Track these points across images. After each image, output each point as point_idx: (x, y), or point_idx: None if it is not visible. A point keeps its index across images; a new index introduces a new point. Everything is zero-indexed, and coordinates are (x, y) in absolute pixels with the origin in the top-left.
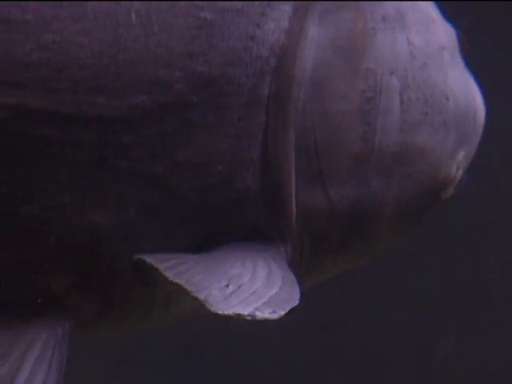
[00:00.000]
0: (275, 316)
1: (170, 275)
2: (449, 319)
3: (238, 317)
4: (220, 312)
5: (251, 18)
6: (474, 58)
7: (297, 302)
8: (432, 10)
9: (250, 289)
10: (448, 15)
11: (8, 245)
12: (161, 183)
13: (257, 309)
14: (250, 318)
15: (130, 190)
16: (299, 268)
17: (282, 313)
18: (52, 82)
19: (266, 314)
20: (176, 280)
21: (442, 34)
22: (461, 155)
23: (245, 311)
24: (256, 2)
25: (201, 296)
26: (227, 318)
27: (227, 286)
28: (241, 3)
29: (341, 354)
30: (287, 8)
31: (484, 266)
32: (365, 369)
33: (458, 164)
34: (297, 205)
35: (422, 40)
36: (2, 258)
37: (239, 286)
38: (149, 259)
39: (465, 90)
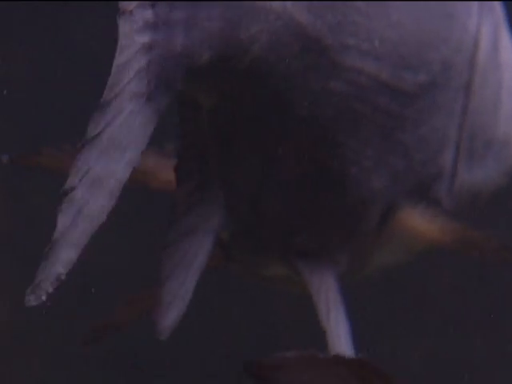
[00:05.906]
0: None
1: None
2: None
3: None
4: None
5: (466, 10)
6: None
7: None
8: None
9: None
10: None
11: (322, 204)
12: (407, 155)
13: None
14: None
15: (393, 158)
16: None
17: None
18: (393, 57)
19: None
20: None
21: None
22: None
23: None
24: None
25: None
26: None
27: None
28: None
29: None
30: (476, 2)
31: None
32: None
33: None
34: (456, 181)
35: None
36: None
37: None
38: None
39: None
